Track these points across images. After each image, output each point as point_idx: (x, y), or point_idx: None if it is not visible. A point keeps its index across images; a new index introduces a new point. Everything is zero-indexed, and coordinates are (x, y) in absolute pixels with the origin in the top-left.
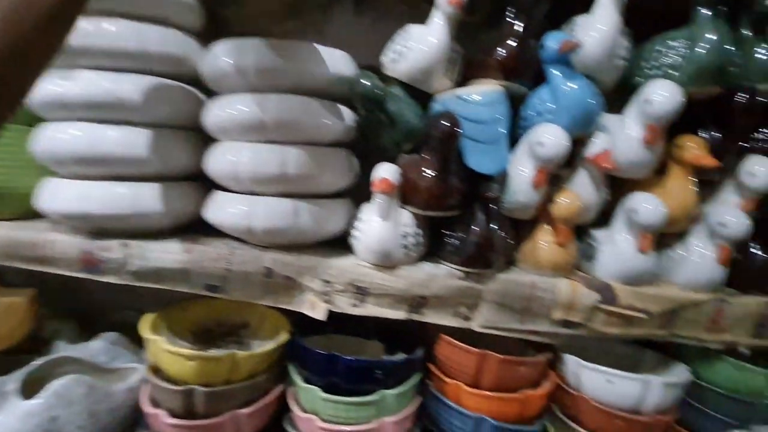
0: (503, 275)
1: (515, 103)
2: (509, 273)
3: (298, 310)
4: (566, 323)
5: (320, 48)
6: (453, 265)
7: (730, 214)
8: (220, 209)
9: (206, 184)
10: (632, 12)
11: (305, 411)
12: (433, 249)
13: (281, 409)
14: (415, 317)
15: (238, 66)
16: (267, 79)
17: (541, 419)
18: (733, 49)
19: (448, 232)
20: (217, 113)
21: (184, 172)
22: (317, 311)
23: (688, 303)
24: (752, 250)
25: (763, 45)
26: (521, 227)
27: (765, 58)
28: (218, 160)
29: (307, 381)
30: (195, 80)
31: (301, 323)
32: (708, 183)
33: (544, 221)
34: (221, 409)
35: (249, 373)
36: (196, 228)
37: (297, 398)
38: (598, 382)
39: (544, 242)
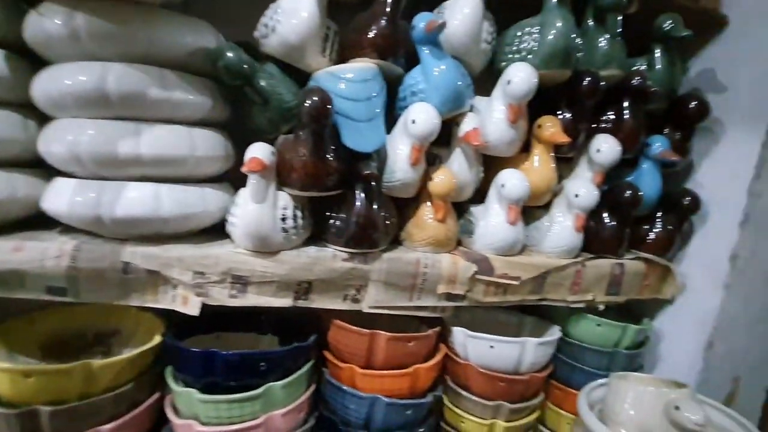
0: (388, 254)
1: (393, 83)
2: (394, 251)
3: (168, 307)
4: (450, 296)
5: (177, 15)
6: (337, 247)
7: (582, 186)
8: (61, 198)
9: (48, 171)
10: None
11: (184, 417)
12: (317, 232)
13: (162, 420)
14: (303, 304)
15: (69, 28)
16: (107, 45)
17: (434, 390)
18: (577, 36)
19: (330, 214)
20: (47, 85)
21: (9, 156)
22: (190, 306)
23: (553, 268)
24: (604, 218)
25: (604, 35)
26: (404, 206)
27: (605, 46)
28: (54, 141)
29: (188, 385)
30: (21, 47)
31: (184, 324)
32: (566, 160)
33: (425, 199)
34: (77, 428)
35: (111, 384)
36: (35, 223)
37: (174, 404)
38: (482, 349)
39: (426, 219)
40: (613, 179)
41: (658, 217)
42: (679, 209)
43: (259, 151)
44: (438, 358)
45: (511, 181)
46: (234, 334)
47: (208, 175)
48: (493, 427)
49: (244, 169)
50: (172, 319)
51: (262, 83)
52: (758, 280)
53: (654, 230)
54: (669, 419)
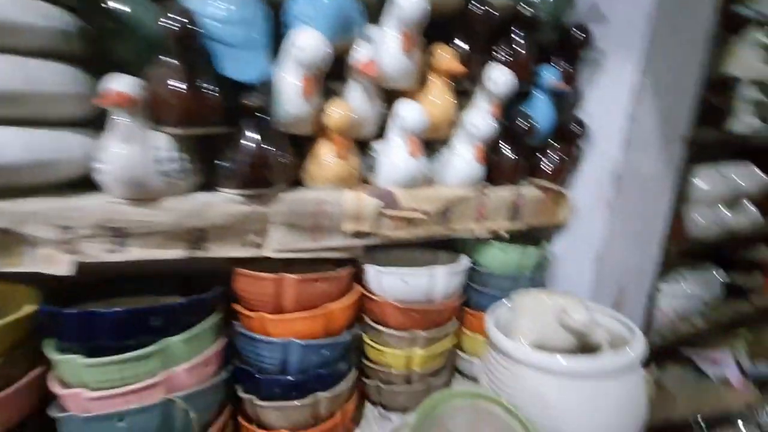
0: (288, 194)
1: (276, 11)
2: (295, 192)
3: (30, 270)
4: (358, 234)
5: None
6: (230, 190)
7: (480, 117)
8: None
9: None
10: None
11: (73, 387)
12: (212, 177)
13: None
14: (199, 254)
15: None
16: None
17: (351, 328)
18: None
19: (219, 154)
20: None
21: None
22: (59, 266)
23: (457, 199)
24: (502, 148)
25: None
26: (303, 144)
27: None
28: None
29: (77, 353)
30: None
31: (67, 292)
32: (465, 93)
33: (324, 136)
34: None
35: None
36: None
37: (59, 375)
38: (395, 283)
39: (326, 156)
40: (509, 110)
41: (552, 146)
42: (569, 137)
43: (122, 84)
44: (351, 296)
45: (410, 112)
46: (131, 298)
47: (67, 117)
48: (412, 356)
49: (104, 104)
50: (53, 287)
51: (119, 6)
52: (638, 199)
53: (548, 158)
54: (561, 324)
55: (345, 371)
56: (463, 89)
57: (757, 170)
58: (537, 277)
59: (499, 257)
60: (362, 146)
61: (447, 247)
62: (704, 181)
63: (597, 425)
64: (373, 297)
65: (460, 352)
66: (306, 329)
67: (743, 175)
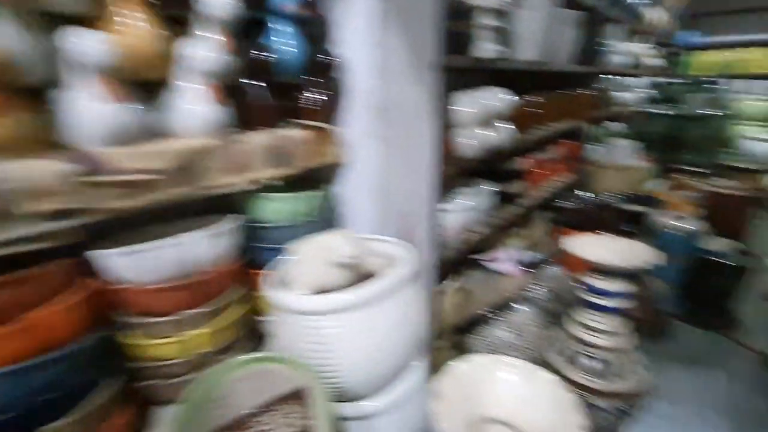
0: None
1: None
2: None
3: None
4: (55, 214)
5: None
6: None
7: (204, 48)
8: None
9: None
10: None
11: None
12: None
13: None
14: None
15: None
16: None
17: (91, 332)
18: None
19: None
20: None
21: None
22: None
23: (197, 150)
24: (249, 88)
25: None
26: None
27: None
28: None
29: None
30: None
31: None
32: (183, 23)
33: None
34: None
35: None
36: None
37: None
38: (144, 264)
39: None
40: (250, 42)
41: (309, 81)
42: (323, 70)
43: None
44: (75, 293)
45: (85, 44)
46: None
47: None
48: (194, 338)
49: None
50: None
51: None
52: (406, 128)
53: (307, 95)
54: (332, 263)
55: (92, 386)
56: (177, 16)
57: (506, 92)
58: (323, 222)
59: (277, 209)
60: (35, 97)
61: (221, 208)
62: (463, 105)
63: (382, 346)
64: (117, 286)
65: (258, 318)
66: (8, 352)
67: (495, 97)
